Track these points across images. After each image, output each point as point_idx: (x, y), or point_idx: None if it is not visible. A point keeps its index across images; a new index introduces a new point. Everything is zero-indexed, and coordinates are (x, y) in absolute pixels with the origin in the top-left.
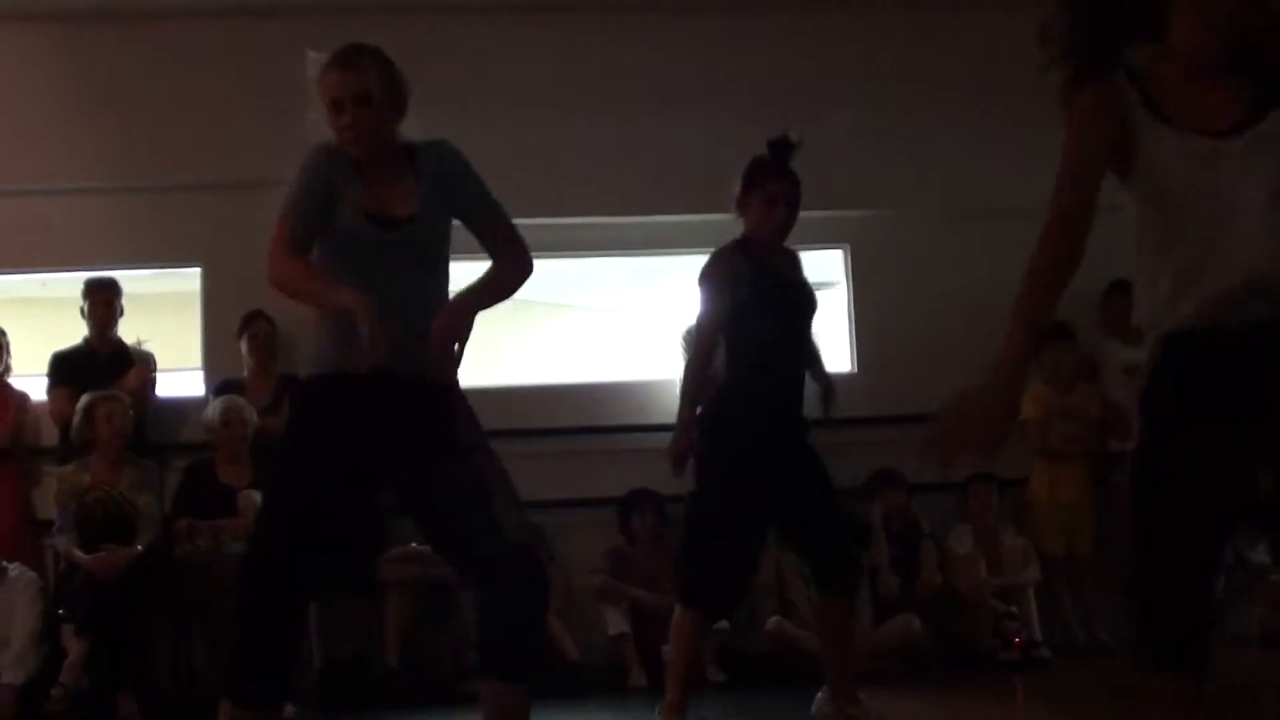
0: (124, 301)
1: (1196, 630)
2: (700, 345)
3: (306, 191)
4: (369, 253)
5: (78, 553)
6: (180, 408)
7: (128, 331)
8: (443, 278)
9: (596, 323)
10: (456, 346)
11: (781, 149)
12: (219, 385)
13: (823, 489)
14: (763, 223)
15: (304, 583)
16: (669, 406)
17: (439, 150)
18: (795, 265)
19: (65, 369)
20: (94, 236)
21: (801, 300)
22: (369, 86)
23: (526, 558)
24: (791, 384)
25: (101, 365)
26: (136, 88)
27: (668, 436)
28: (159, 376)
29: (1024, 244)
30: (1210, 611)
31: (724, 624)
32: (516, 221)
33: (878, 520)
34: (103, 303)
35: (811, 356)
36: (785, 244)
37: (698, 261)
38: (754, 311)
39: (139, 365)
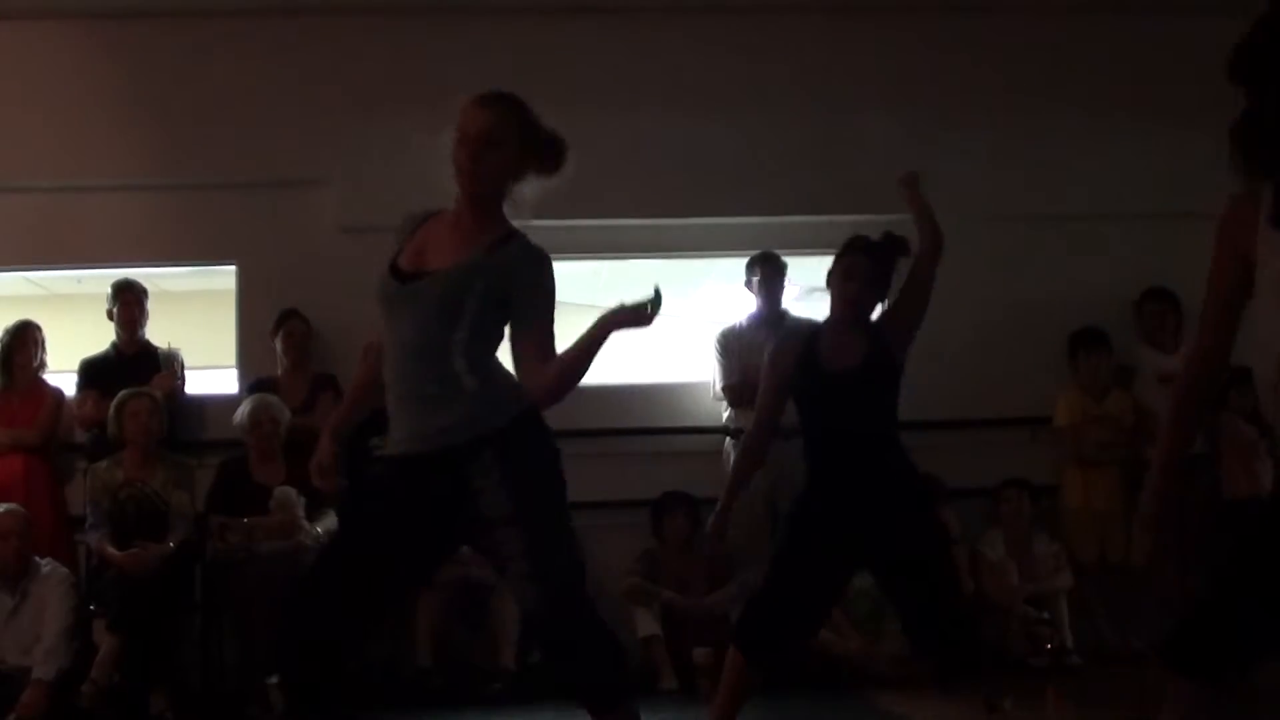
0: (159, 298)
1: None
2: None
3: None
4: (385, 306)
5: (110, 549)
6: (214, 405)
7: (159, 331)
8: (461, 329)
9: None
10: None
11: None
12: (253, 384)
13: (926, 572)
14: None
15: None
16: (702, 410)
17: (528, 249)
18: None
19: (93, 373)
20: (131, 233)
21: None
22: (498, 131)
23: (555, 626)
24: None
25: (128, 367)
26: (174, 85)
27: (701, 439)
28: (192, 375)
29: (1045, 250)
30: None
31: None
32: (551, 223)
33: None
34: (130, 304)
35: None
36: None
37: (733, 264)
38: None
39: (165, 371)
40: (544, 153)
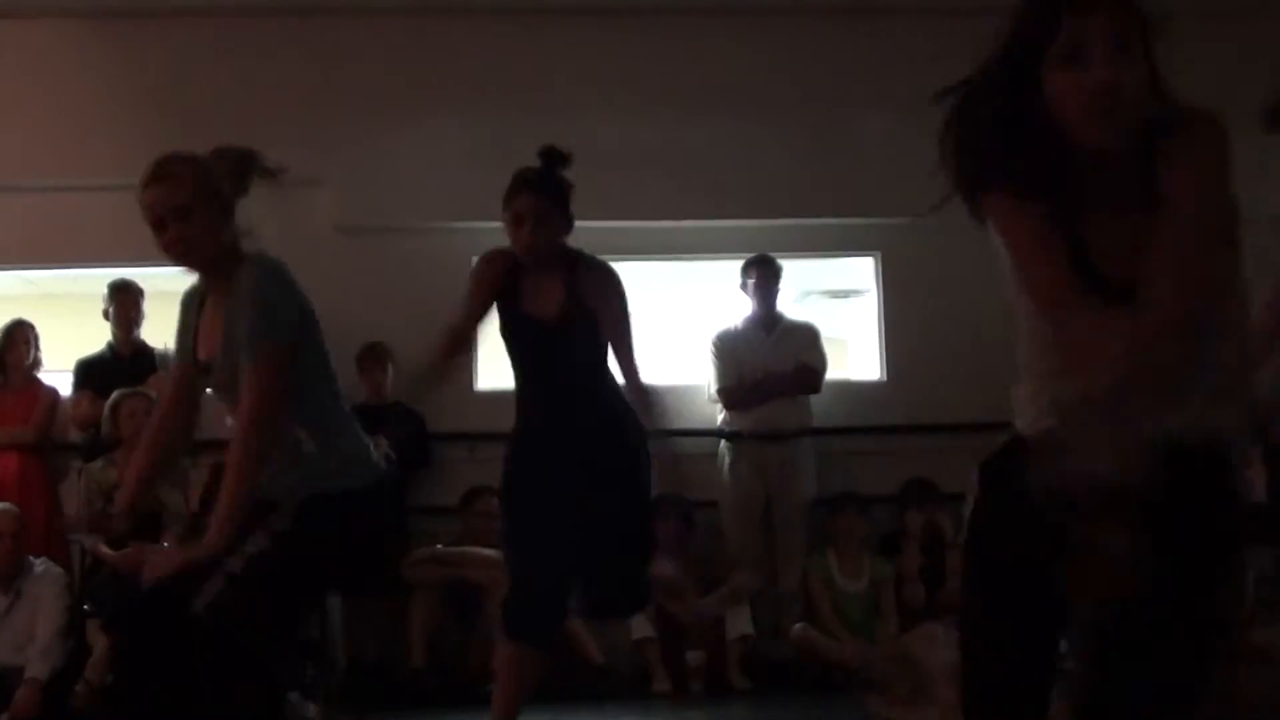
0: (155, 298)
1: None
2: None
3: None
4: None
5: (104, 549)
6: (207, 405)
7: (155, 331)
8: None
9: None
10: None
11: (550, 161)
12: None
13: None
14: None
15: None
16: (696, 412)
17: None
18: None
19: (88, 373)
20: (127, 233)
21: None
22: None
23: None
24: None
25: (124, 367)
26: (171, 85)
27: (695, 442)
28: None
29: None
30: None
31: (749, 630)
32: None
33: (915, 531)
34: (126, 305)
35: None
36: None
37: (728, 267)
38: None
39: (161, 371)
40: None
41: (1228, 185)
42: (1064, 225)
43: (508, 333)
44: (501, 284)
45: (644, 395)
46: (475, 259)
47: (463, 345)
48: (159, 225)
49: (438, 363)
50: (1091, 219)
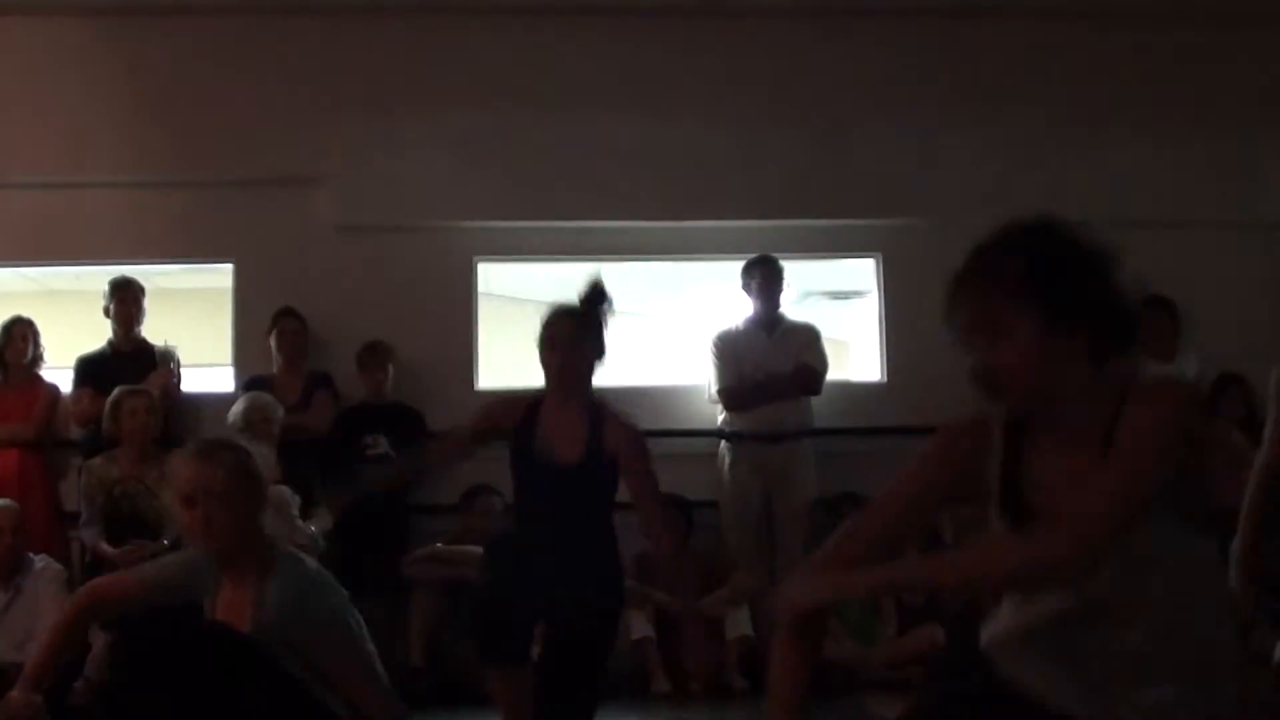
0: (156, 295)
1: None
2: None
3: None
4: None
5: (104, 546)
6: (210, 403)
7: (156, 328)
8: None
9: (629, 327)
10: None
11: (594, 297)
12: (248, 382)
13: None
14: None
15: None
16: (697, 412)
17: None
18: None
19: (89, 370)
20: (128, 230)
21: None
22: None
23: None
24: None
25: (125, 364)
26: (173, 83)
27: (696, 442)
28: (188, 373)
29: None
30: None
31: (748, 631)
32: (547, 224)
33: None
34: (127, 302)
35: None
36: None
37: (730, 267)
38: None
39: (161, 369)
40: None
41: (1171, 454)
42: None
43: (523, 470)
44: (519, 423)
45: (660, 539)
46: (473, 258)
47: (440, 462)
48: (189, 501)
49: (409, 470)
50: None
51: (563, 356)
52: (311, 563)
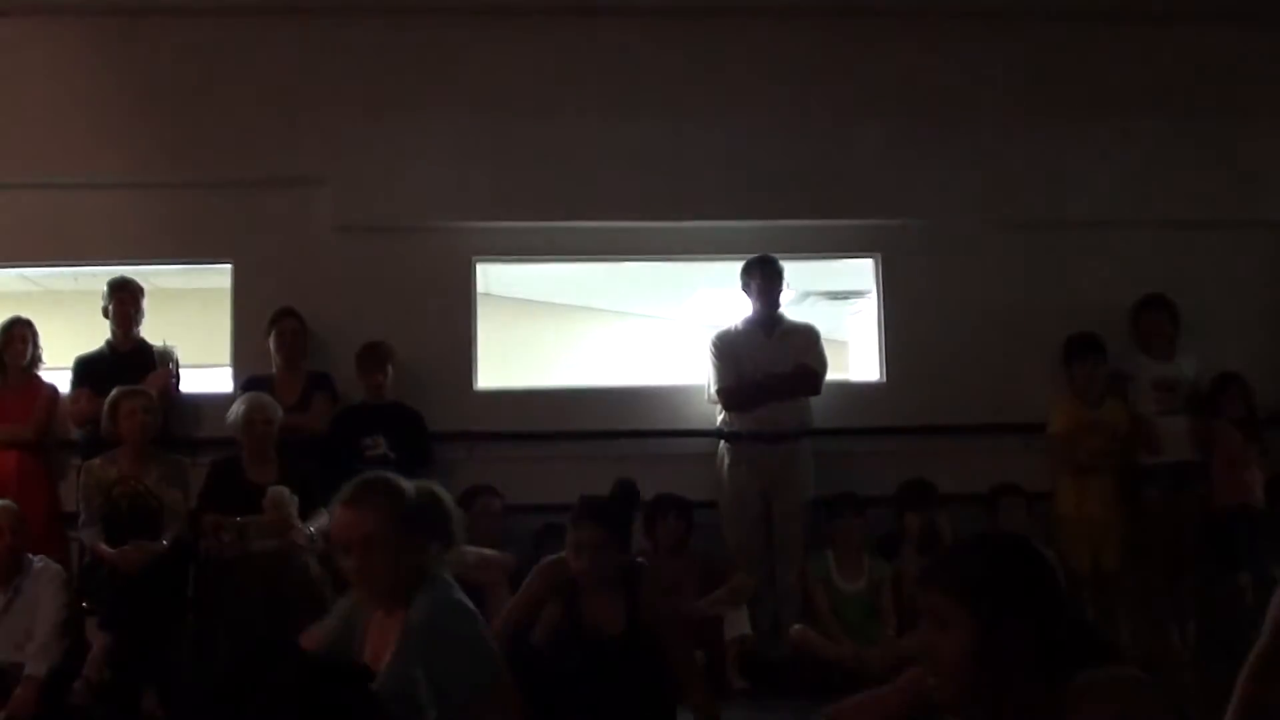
0: (155, 296)
1: None
2: None
3: None
4: None
5: (103, 546)
6: (208, 404)
7: (154, 329)
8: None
9: (634, 328)
10: None
11: (623, 495)
12: (246, 382)
13: None
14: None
15: None
16: (696, 413)
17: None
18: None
19: (87, 370)
20: (126, 231)
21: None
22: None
23: None
24: None
25: (123, 365)
26: (171, 84)
27: (695, 442)
28: (186, 373)
29: (1056, 255)
30: None
31: (747, 630)
32: (546, 224)
33: (914, 533)
34: (125, 303)
35: None
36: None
37: (729, 268)
38: None
39: (160, 369)
40: None
41: None
42: None
43: (565, 643)
44: (562, 593)
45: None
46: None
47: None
48: (345, 550)
49: None
50: None
51: (589, 563)
52: (457, 589)
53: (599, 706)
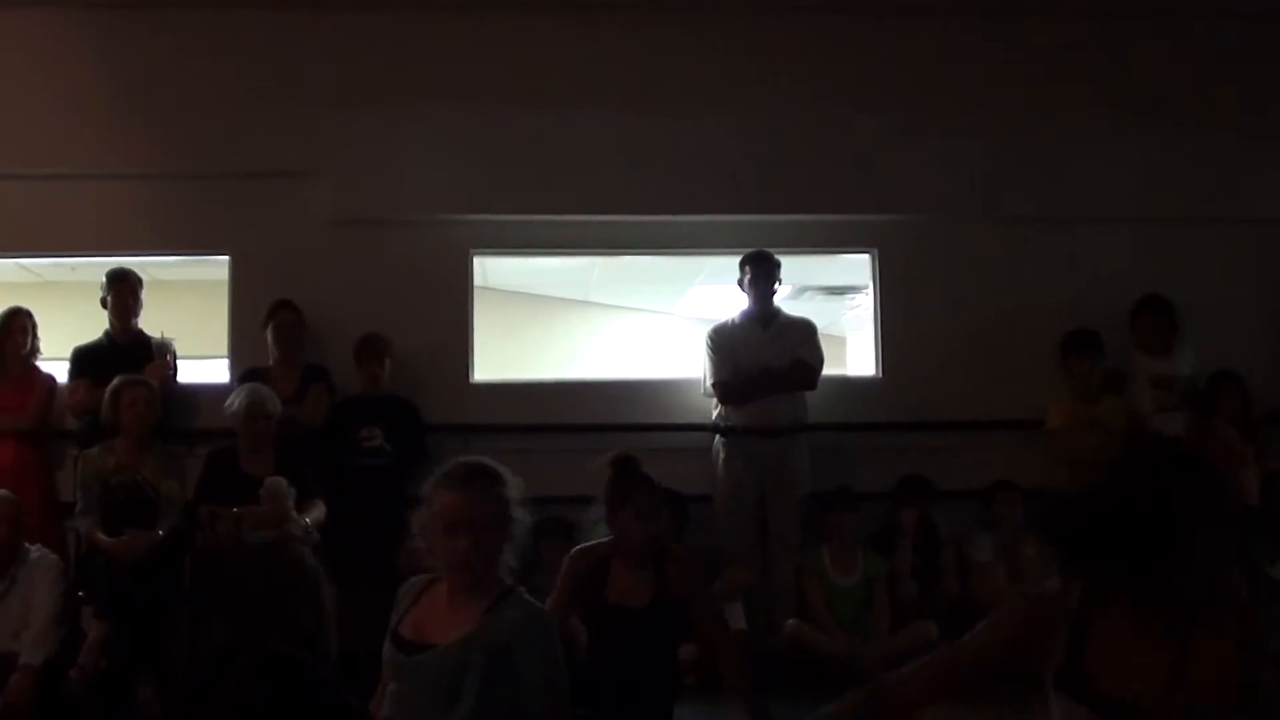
0: (152, 287)
1: None
2: None
3: None
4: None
5: (101, 536)
6: (205, 395)
7: (152, 320)
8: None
9: (631, 322)
10: None
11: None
12: (243, 374)
13: None
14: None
15: None
16: (691, 406)
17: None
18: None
19: (85, 361)
20: (124, 222)
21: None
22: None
23: None
24: None
25: (121, 356)
26: (169, 75)
27: (690, 436)
28: (183, 364)
29: (1054, 252)
30: None
31: (742, 625)
32: (544, 218)
33: (910, 528)
34: (124, 294)
35: None
36: None
37: (725, 262)
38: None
39: (157, 360)
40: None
41: None
42: None
43: (596, 619)
44: (591, 576)
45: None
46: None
47: None
48: (452, 529)
49: None
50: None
51: (657, 528)
52: (536, 602)
53: (619, 673)
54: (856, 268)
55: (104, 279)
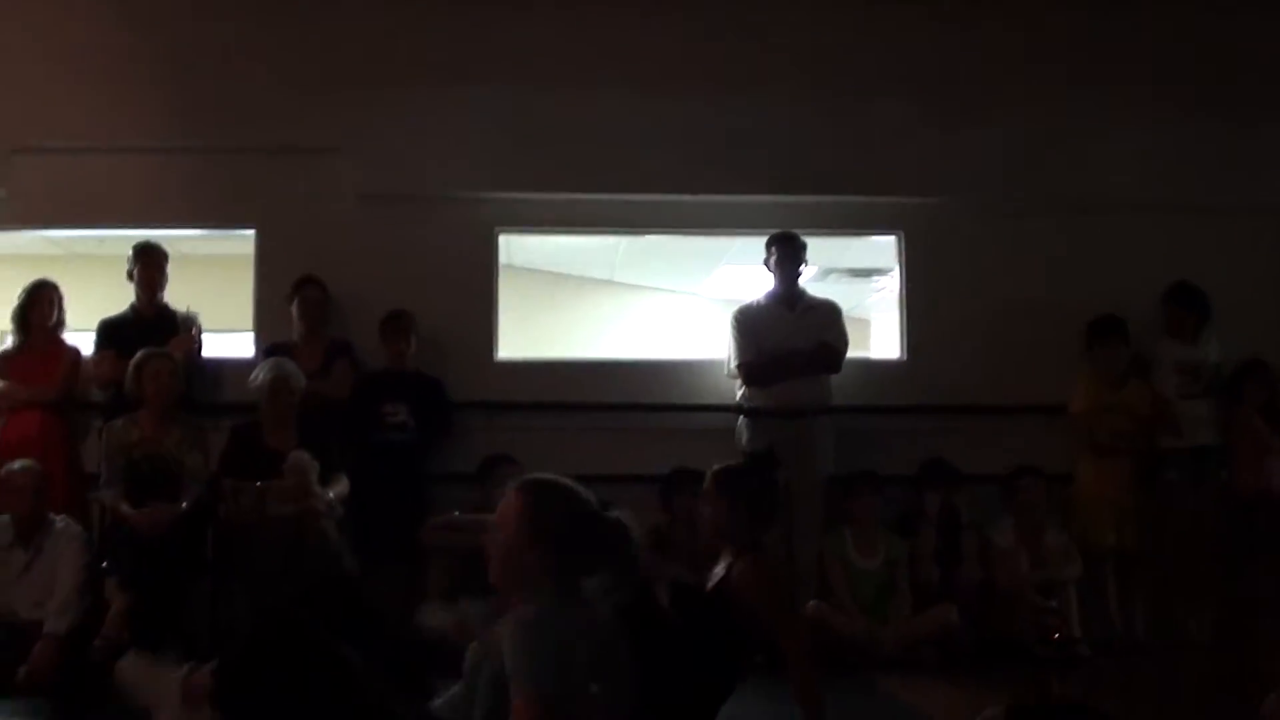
0: (178, 261)
1: None
2: None
3: None
4: None
5: (124, 507)
6: (230, 369)
7: (177, 294)
8: None
9: (656, 302)
10: None
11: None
12: (268, 348)
13: None
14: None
15: None
16: (716, 387)
17: None
18: None
19: (111, 333)
20: (150, 196)
21: None
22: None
23: None
24: None
25: (147, 329)
26: (197, 50)
27: (714, 416)
28: (208, 338)
29: (1081, 238)
30: None
31: None
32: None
33: (932, 512)
34: (150, 267)
35: None
36: None
37: (750, 243)
38: None
39: (182, 334)
40: None
41: None
42: None
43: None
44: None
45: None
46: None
47: None
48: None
49: None
50: None
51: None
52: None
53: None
54: (882, 250)
55: (130, 252)
